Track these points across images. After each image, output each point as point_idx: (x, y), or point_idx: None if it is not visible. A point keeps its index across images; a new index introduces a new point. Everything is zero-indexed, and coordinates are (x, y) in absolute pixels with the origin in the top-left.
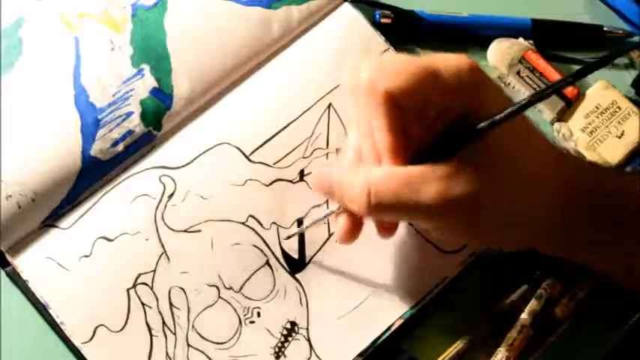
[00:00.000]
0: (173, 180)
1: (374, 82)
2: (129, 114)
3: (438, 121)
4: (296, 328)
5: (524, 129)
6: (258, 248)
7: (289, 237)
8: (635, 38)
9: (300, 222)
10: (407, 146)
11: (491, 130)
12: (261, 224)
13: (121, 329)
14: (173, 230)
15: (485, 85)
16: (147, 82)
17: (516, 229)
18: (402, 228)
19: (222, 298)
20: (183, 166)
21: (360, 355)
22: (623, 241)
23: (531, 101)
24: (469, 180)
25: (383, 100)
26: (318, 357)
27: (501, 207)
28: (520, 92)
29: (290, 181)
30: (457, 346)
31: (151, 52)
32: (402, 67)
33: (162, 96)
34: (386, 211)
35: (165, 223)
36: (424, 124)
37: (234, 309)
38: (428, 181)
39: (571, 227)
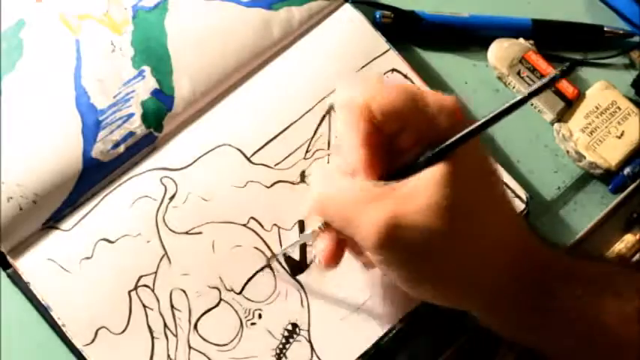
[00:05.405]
0: (174, 181)
1: (365, 100)
2: (130, 115)
3: (413, 148)
4: (297, 330)
5: (499, 193)
6: (260, 250)
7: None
8: (635, 38)
9: (301, 223)
10: (380, 165)
11: (445, 153)
12: (262, 226)
13: (123, 331)
14: (174, 232)
15: (460, 126)
16: (148, 84)
17: (464, 284)
18: None
19: (223, 300)
20: (184, 168)
21: (361, 356)
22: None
23: (485, 123)
24: (425, 211)
25: (362, 116)
26: (319, 359)
27: (456, 256)
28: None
29: (291, 183)
30: (457, 346)
31: (152, 53)
32: (390, 88)
33: (163, 97)
34: (333, 225)
35: (166, 225)
36: (399, 148)
37: (236, 311)
38: (377, 200)
39: (517, 303)
